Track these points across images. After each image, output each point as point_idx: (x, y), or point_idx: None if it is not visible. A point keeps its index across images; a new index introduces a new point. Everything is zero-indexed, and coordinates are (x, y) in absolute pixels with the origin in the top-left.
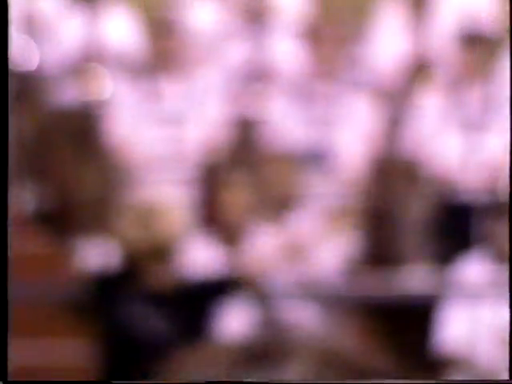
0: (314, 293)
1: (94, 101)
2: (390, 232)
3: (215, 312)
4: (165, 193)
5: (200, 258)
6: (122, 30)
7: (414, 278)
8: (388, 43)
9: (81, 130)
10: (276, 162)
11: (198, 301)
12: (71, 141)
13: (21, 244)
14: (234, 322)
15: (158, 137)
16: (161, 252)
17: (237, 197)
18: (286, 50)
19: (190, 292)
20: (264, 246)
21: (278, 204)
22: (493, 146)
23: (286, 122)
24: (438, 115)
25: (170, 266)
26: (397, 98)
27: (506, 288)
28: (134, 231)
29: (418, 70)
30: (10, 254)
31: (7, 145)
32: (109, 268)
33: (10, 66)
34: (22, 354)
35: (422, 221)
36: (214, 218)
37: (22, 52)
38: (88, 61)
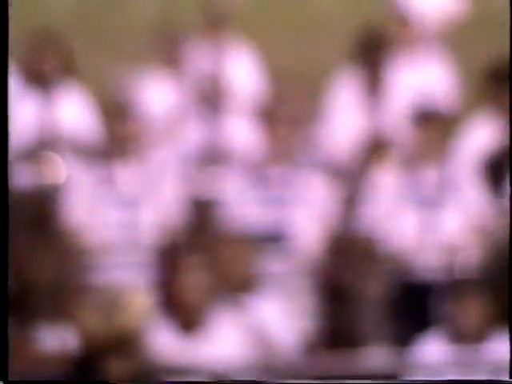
0: (274, 374)
1: (49, 185)
2: (348, 311)
3: None
4: (123, 278)
5: (159, 344)
6: (75, 114)
7: (373, 358)
8: (343, 123)
9: (36, 215)
10: (233, 243)
11: None
12: (27, 225)
13: None
14: None
15: (114, 220)
16: (123, 341)
17: (194, 279)
18: (241, 132)
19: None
20: (222, 328)
21: (235, 285)
22: (449, 224)
23: (241, 203)
24: (394, 194)
25: (131, 355)
26: (353, 177)
27: (465, 368)
28: (94, 321)
29: (374, 149)
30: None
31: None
32: (67, 357)
33: None
34: None
35: (380, 299)
36: (171, 301)
37: None
38: (42, 145)
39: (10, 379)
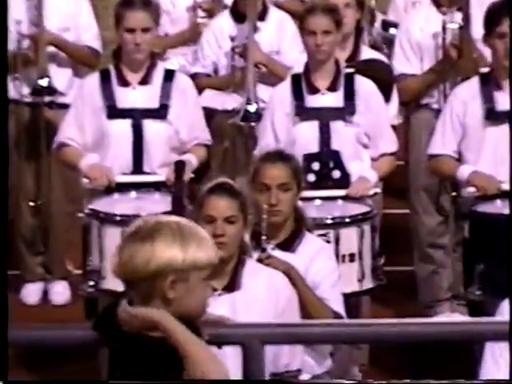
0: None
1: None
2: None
3: None
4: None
5: None
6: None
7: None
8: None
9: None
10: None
11: None
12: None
13: None
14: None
15: (118, 134)
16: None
17: (222, 208)
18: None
19: None
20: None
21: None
22: None
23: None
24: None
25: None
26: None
27: None
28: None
29: (441, 64)
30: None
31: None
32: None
33: None
34: None
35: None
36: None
37: None
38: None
39: (9, 379)
